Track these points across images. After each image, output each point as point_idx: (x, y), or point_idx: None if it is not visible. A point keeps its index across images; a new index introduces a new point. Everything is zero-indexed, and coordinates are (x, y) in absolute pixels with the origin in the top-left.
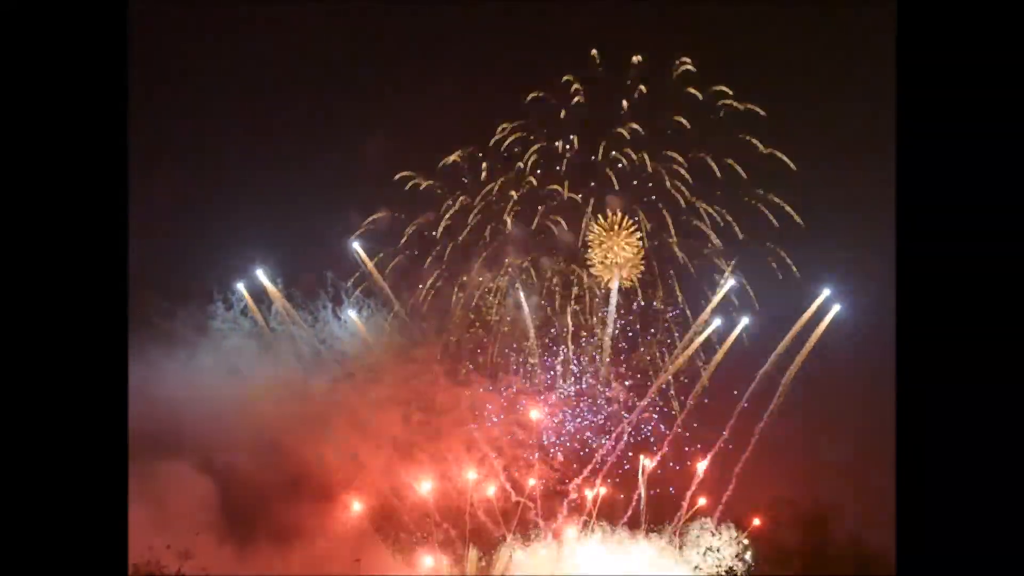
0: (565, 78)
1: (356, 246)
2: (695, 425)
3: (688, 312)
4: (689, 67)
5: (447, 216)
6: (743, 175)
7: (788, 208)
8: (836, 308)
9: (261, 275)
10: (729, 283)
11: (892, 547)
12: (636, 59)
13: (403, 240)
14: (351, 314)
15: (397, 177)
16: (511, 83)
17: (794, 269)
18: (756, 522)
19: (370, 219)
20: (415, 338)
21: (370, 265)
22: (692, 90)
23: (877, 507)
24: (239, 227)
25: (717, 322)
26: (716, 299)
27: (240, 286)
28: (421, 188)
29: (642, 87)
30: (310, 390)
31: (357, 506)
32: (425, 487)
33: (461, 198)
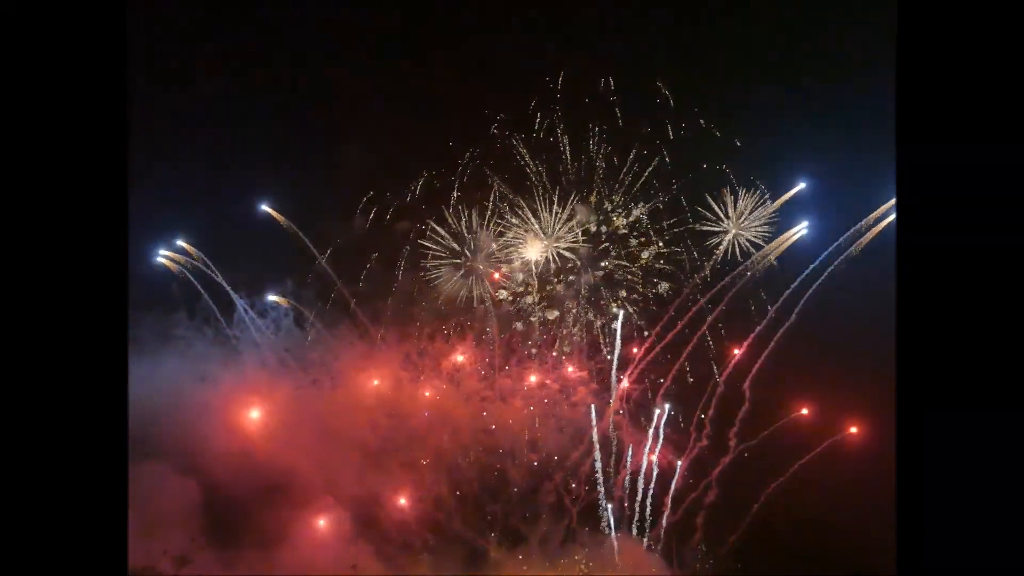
0: (533, 102)
1: (266, 208)
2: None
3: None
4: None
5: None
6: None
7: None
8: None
9: (180, 246)
10: (800, 185)
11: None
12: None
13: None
14: (273, 299)
15: (367, 199)
16: (480, 107)
17: None
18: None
19: (338, 239)
20: (377, 345)
21: (290, 225)
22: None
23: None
24: (205, 240)
25: (805, 225)
26: (784, 197)
27: (161, 259)
28: (388, 217)
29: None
30: (276, 397)
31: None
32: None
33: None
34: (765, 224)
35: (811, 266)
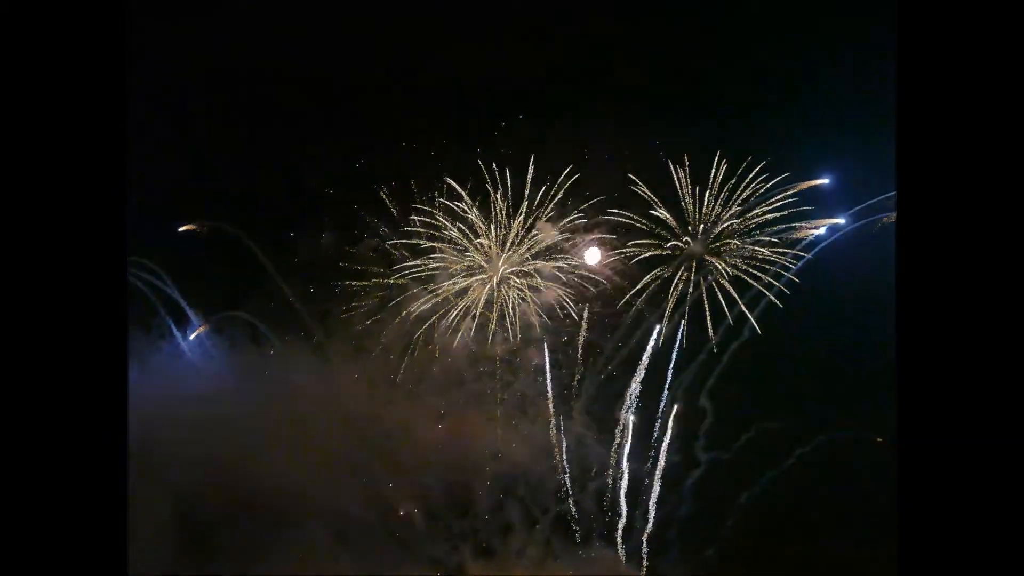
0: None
1: (184, 227)
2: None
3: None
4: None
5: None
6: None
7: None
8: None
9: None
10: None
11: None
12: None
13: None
14: (195, 336)
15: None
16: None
17: None
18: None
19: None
20: (332, 360)
21: (200, 226)
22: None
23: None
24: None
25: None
26: (803, 185)
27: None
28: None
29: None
30: (237, 410)
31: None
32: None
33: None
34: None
35: (758, 285)
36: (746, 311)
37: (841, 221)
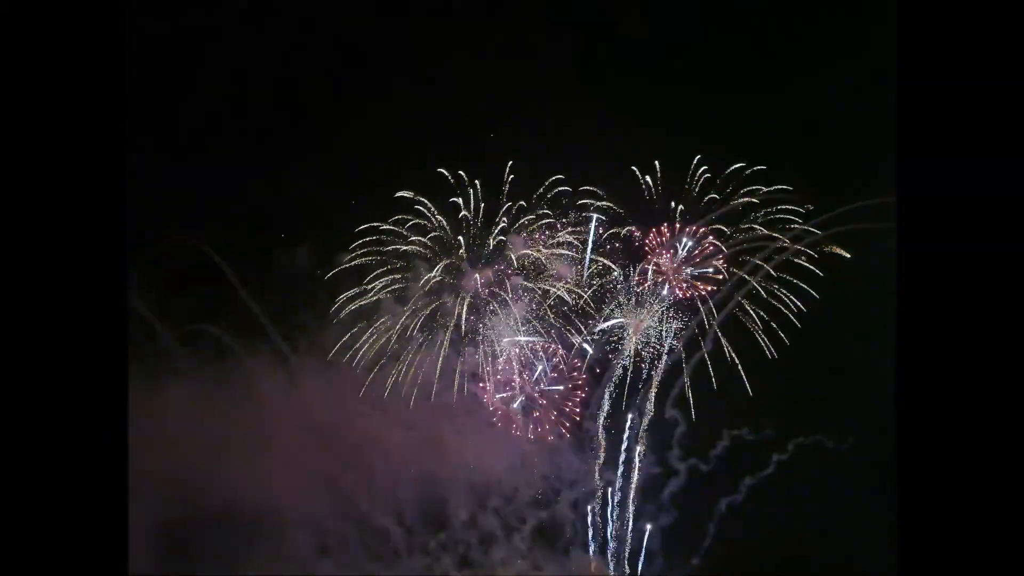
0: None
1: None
2: None
3: None
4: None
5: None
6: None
7: None
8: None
9: None
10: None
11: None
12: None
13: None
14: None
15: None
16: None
17: None
18: None
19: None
20: (304, 374)
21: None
22: None
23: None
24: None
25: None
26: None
27: None
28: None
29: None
30: (207, 423)
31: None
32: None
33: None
34: None
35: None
36: (709, 320)
37: (847, 255)
